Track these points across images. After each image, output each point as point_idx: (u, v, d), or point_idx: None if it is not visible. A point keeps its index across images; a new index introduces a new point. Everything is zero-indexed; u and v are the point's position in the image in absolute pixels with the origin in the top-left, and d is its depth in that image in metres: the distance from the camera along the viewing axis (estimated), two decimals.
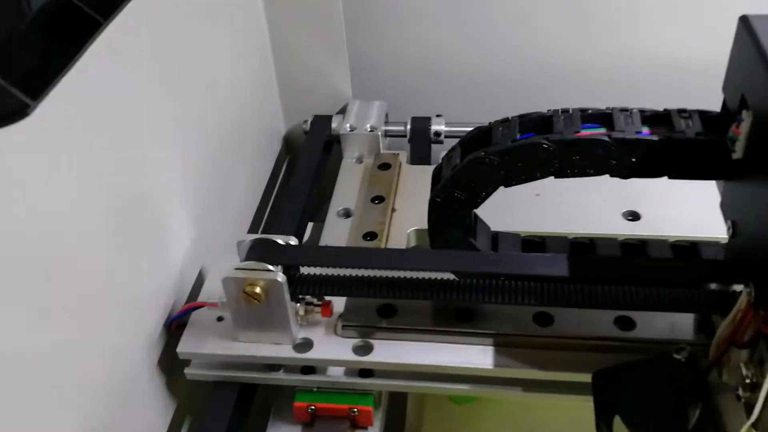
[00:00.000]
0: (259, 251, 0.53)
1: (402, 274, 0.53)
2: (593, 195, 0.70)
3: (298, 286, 0.53)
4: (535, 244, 0.57)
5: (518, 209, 0.70)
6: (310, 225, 0.74)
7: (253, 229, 0.78)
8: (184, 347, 0.55)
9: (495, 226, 0.61)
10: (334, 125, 0.82)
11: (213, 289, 0.59)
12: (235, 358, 0.55)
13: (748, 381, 0.44)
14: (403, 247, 0.68)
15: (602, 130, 0.50)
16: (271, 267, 0.52)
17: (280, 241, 0.54)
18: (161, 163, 0.57)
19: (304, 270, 0.55)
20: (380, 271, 0.53)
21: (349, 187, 0.76)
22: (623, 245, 0.56)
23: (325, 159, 0.81)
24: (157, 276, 0.57)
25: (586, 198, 0.70)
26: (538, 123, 0.51)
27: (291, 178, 0.77)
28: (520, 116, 0.52)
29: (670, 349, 0.47)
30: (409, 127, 0.81)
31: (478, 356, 0.53)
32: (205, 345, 0.55)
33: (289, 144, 0.90)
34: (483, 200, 0.53)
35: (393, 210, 0.72)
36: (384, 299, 0.55)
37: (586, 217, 0.68)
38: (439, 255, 0.52)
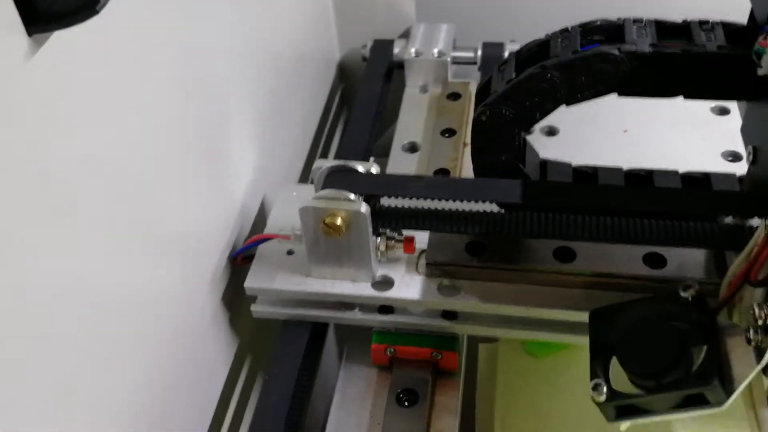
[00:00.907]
0: (339, 179, 0.48)
1: (494, 208, 0.48)
2: (688, 132, 0.64)
3: (380, 219, 0.48)
4: (587, 175, 0.52)
5: (603, 146, 0.64)
6: (371, 160, 0.69)
7: (309, 162, 0.72)
8: (252, 282, 0.51)
9: (575, 161, 0.56)
10: (396, 50, 0.76)
11: (279, 221, 0.54)
12: (309, 296, 0.50)
13: (760, 322, 0.39)
14: None
15: (682, 43, 0.44)
16: (352, 196, 0.47)
17: (361, 169, 0.49)
18: (222, 88, 0.52)
19: (384, 201, 0.50)
20: (467, 204, 0.48)
21: (414, 119, 0.70)
22: (684, 179, 0.50)
23: (386, 88, 0.75)
24: (220, 207, 0.52)
25: (681, 135, 0.64)
26: (606, 30, 0.46)
27: (352, 108, 0.71)
28: (581, 25, 0.47)
29: (675, 287, 0.42)
30: (480, 53, 0.75)
31: (580, 300, 0.48)
32: (275, 280, 0.50)
33: (342, 72, 0.84)
34: (538, 120, 0.47)
35: (465, 144, 0.66)
36: (472, 236, 0.50)
37: (680, 157, 0.63)
38: (547, 188, 0.47)
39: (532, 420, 0.58)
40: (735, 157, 0.62)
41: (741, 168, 0.61)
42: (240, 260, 0.53)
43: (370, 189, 0.48)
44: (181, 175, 0.46)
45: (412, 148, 0.67)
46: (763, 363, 0.38)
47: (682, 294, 0.42)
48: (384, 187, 0.49)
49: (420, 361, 0.50)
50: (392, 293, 0.49)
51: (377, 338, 0.50)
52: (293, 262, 0.51)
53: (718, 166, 0.61)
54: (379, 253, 0.49)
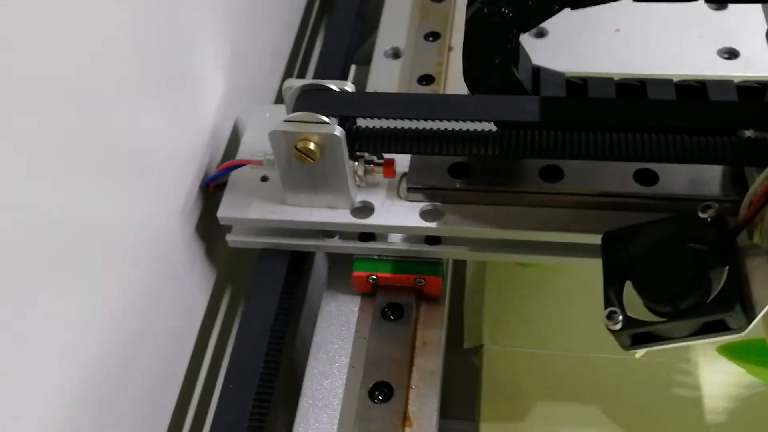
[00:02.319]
0: (312, 100, 0.45)
1: (477, 126, 0.45)
2: (683, 29, 0.61)
3: (357, 142, 0.45)
4: (578, 86, 0.48)
5: (594, 47, 0.61)
6: (352, 68, 0.65)
7: (287, 76, 0.69)
8: (224, 212, 0.48)
9: (566, 64, 0.52)
10: None
11: (253, 144, 0.51)
12: (284, 224, 0.48)
13: None
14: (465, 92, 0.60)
15: None
16: (326, 119, 0.44)
17: (335, 88, 0.46)
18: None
19: (360, 122, 0.47)
20: (449, 124, 0.45)
21: (397, 23, 0.66)
22: (679, 88, 0.47)
23: None
24: (187, 130, 0.49)
25: (675, 33, 0.61)
26: None
27: (330, 14, 0.67)
28: None
29: (693, 207, 0.40)
30: None
31: (570, 221, 0.45)
32: (249, 209, 0.48)
33: None
34: (538, 22, 0.44)
35: (450, 48, 0.62)
36: (457, 156, 0.47)
37: (674, 56, 0.59)
38: (536, 101, 0.44)
39: (521, 328, 0.58)
40: (732, 54, 0.59)
41: (736, 66, 0.58)
42: (212, 188, 0.50)
43: (345, 110, 0.45)
44: (141, 95, 0.42)
45: (395, 53, 0.63)
46: None
47: (701, 215, 0.39)
48: (360, 107, 0.45)
49: (404, 287, 0.48)
50: (372, 220, 0.47)
51: (358, 266, 0.48)
52: (268, 189, 0.49)
53: (714, 64, 0.59)
54: (357, 178, 0.47)
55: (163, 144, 0.46)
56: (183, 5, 0.47)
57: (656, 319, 0.39)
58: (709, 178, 0.46)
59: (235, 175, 0.50)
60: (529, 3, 0.42)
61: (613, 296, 0.40)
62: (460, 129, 0.45)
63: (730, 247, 0.39)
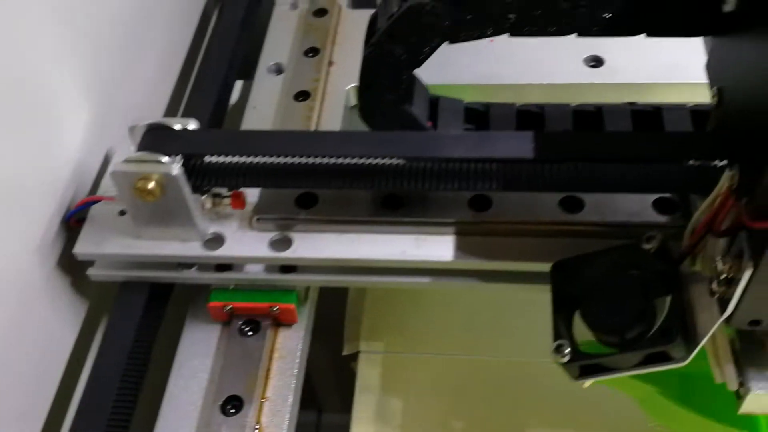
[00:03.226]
0: (154, 139, 0.46)
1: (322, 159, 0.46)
2: (551, 39, 0.62)
3: (201, 178, 0.46)
4: (478, 113, 0.50)
5: (468, 56, 0.62)
6: (239, 83, 0.66)
7: (177, 96, 0.69)
8: (81, 247, 0.49)
9: (439, 76, 0.54)
10: None
11: None
12: (138, 258, 0.49)
13: (722, 277, 0.38)
14: (341, 107, 0.61)
15: None
16: (164, 158, 0.45)
17: (177, 126, 0.46)
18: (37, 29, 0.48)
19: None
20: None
21: (281, 39, 0.67)
22: (576, 113, 0.48)
23: (256, 5, 0.71)
24: (49, 162, 0.50)
25: (544, 43, 0.61)
26: None
27: (210, 36, 0.68)
28: None
29: (640, 235, 0.41)
30: None
31: (409, 246, 0.47)
32: (105, 244, 0.49)
33: None
34: (425, 58, 0.45)
35: (330, 63, 0.64)
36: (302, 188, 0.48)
37: (543, 65, 0.60)
38: (360, 138, 0.45)
39: (397, 335, 0.62)
40: (597, 61, 0.61)
41: (602, 74, 0.60)
42: (74, 222, 0.51)
43: (186, 149, 0.46)
44: None
45: (278, 69, 0.64)
46: (727, 313, 0.37)
47: (645, 246, 0.41)
48: (200, 145, 0.46)
49: (260, 315, 0.50)
50: (222, 251, 0.48)
51: (215, 296, 0.49)
52: (124, 223, 0.50)
53: (581, 72, 0.61)
54: (205, 211, 0.48)
55: (18, 175, 0.46)
56: (20, 25, 0.46)
57: (605, 351, 0.40)
58: (638, 202, 0.46)
59: (94, 209, 0.51)
60: (413, 39, 0.43)
61: (562, 327, 0.41)
62: (304, 162, 0.46)
63: (673, 275, 0.40)
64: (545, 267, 0.44)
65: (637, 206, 0.46)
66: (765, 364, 0.42)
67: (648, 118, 0.48)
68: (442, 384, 0.61)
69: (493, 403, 0.58)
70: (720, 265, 0.38)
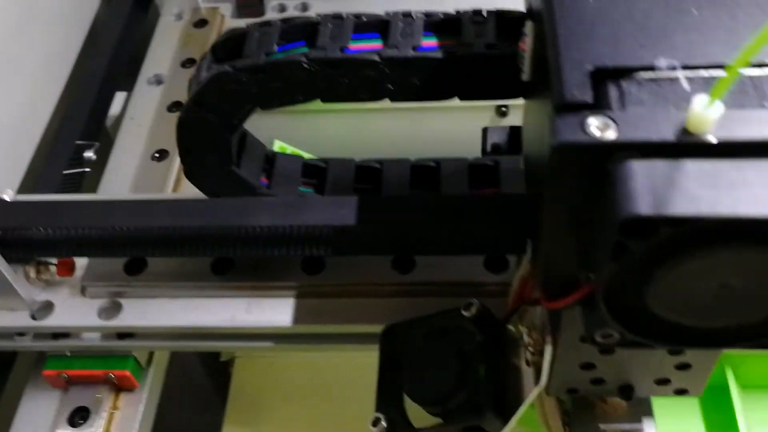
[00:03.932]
0: None
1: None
2: None
3: (18, 249, 0.44)
4: (318, 169, 0.48)
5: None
6: (120, 95, 0.65)
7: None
8: None
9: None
10: None
11: None
12: None
13: (531, 349, 0.37)
14: None
15: (378, 44, 0.40)
16: None
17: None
18: None
19: None
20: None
21: (162, 50, 0.67)
22: (414, 168, 0.47)
23: (141, 16, 0.70)
24: None
25: None
26: (306, 30, 0.41)
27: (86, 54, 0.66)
28: (284, 20, 0.42)
29: (460, 303, 0.40)
30: None
31: (239, 311, 0.45)
32: None
33: None
34: (240, 123, 0.43)
35: None
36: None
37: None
38: (170, 207, 0.43)
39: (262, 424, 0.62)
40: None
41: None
42: None
43: None
44: None
45: (158, 80, 0.64)
46: (541, 385, 0.36)
47: (464, 313, 0.39)
48: (12, 218, 0.44)
49: (96, 382, 0.48)
50: (51, 320, 0.46)
51: (50, 364, 0.48)
52: None
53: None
54: (33, 280, 0.46)
55: None
56: None
57: (425, 424, 0.39)
58: (468, 261, 0.45)
59: None
60: (223, 106, 0.42)
61: (385, 396, 0.39)
62: (127, 230, 0.44)
63: (492, 343, 0.39)
64: (381, 328, 0.43)
65: (467, 265, 0.44)
66: (595, 425, 0.41)
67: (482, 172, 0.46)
68: (315, 384, 0.62)
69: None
70: (526, 338, 0.37)
